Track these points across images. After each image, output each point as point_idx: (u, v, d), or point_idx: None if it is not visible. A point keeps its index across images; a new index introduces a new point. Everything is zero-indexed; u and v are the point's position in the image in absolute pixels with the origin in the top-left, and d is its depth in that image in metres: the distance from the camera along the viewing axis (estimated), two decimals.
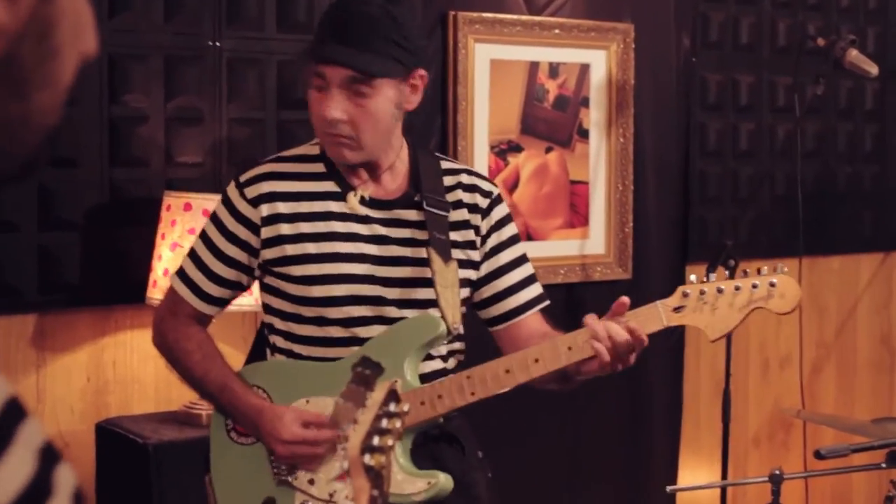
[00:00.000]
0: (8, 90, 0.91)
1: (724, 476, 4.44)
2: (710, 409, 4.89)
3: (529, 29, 4.44)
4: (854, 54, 4.42)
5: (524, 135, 4.46)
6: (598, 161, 4.62)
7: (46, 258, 3.65)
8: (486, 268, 2.83)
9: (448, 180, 2.81)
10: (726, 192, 5.01)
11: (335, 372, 2.64)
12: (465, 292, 2.79)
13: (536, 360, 2.63)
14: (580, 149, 4.59)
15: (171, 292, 2.85)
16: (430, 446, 2.72)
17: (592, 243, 4.64)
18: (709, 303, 2.64)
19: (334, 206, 2.73)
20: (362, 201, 2.73)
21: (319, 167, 2.76)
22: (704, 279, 2.69)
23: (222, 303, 2.84)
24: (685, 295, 2.65)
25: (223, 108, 3.90)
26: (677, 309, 2.65)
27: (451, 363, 2.82)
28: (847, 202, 5.34)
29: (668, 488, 3.98)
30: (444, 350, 2.79)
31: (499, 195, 2.87)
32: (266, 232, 2.71)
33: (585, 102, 4.59)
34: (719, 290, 2.64)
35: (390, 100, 2.66)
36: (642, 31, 4.69)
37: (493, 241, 2.83)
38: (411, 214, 2.75)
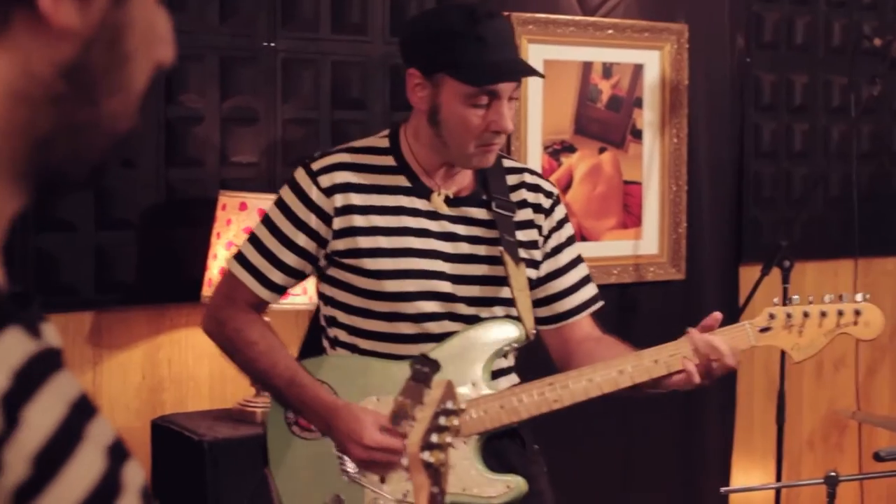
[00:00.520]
0: (78, 95, 0.92)
1: (779, 478, 4.40)
2: (764, 410, 4.86)
3: (583, 29, 4.43)
4: None
5: (577, 135, 4.45)
6: (652, 161, 4.61)
7: (103, 257, 3.68)
8: (545, 268, 2.83)
9: (511, 179, 2.80)
10: (780, 193, 4.98)
11: (405, 370, 2.62)
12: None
13: (622, 371, 2.65)
14: (633, 149, 4.58)
15: (230, 277, 2.76)
16: (492, 441, 2.70)
17: (646, 244, 4.62)
18: (795, 325, 2.74)
19: (405, 201, 2.70)
20: (446, 200, 2.72)
21: (390, 160, 2.73)
22: (787, 301, 2.78)
23: (282, 291, 2.76)
24: (772, 317, 2.74)
25: (278, 108, 3.92)
26: (764, 329, 2.73)
27: (511, 359, 2.81)
28: None
29: (722, 489, 3.94)
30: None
31: (559, 195, 2.88)
32: (339, 222, 2.66)
33: (639, 103, 4.57)
34: (805, 315, 2.74)
35: None
36: (696, 32, 4.67)
37: (553, 241, 2.83)
38: (479, 213, 2.74)
